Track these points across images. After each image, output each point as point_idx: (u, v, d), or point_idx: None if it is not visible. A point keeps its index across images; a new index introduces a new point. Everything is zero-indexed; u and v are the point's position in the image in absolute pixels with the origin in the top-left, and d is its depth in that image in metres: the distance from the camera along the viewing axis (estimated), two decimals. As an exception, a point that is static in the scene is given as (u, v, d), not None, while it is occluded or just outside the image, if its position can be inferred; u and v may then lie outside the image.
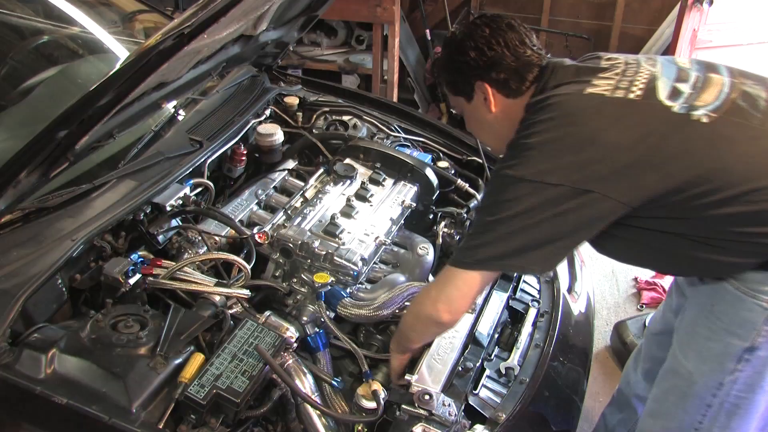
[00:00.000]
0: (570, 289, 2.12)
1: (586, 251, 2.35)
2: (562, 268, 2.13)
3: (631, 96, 1.35)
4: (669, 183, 1.29)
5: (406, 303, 1.74)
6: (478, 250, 1.38)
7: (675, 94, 1.36)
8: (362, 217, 2.03)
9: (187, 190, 1.93)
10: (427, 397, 1.47)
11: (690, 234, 1.36)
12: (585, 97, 1.37)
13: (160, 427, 1.31)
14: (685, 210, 1.32)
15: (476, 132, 1.73)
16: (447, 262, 1.47)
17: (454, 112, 2.05)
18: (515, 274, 1.95)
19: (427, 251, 2.02)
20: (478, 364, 1.65)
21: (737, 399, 1.46)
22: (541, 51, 1.53)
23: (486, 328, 1.76)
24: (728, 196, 1.29)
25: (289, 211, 2.03)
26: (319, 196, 2.10)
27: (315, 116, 2.56)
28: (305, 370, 1.57)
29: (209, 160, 2.09)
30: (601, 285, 3.43)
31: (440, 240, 2.10)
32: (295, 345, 1.61)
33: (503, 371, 1.68)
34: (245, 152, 2.27)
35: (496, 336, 1.79)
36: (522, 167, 1.34)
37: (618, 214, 1.32)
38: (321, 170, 2.26)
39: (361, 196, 2.11)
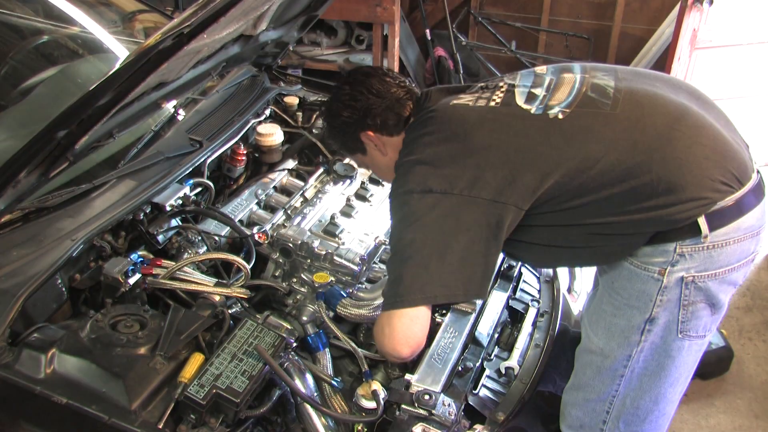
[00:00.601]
0: (570, 289, 2.12)
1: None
2: (562, 268, 2.14)
3: (492, 104, 1.48)
4: (545, 180, 1.38)
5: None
6: (402, 292, 1.39)
7: (531, 98, 1.48)
8: (362, 216, 2.03)
9: (186, 190, 1.93)
10: (427, 397, 1.46)
11: (579, 223, 1.44)
12: (450, 107, 1.51)
13: (160, 427, 1.31)
14: (567, 201, 1.40)
15: (385, 178, 1.83)
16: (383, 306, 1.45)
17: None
18: (515, 274, 1.96)
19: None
20: (478, 364, 1.65)
21: (645, 363, 1.53)
22: (405, 82, 1.66)
23: (486, 328, 1.76)
24: (601, 182, 1.38)
25: (288, 211, 2.03)
26: (319, 195, 2.10)
27: (315, 116, 2.56)
28: (305, 370, 1.57)
29: (209, 160, 2.09)
30: (601, 285, 3.43)
31: (440, 240, 2.10)
32: (294, 345, 1.61)
33: (503, 371, 1.68)
34: (245, 152, 2.27)
35: (496, 336, 1.79)
36: (409, 183, 1.44)
37: (514, 218, 1.39)
38: (321, 170, 2.26)
39: (361, 195, 2.11)
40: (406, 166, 1.47)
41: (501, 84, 1.55)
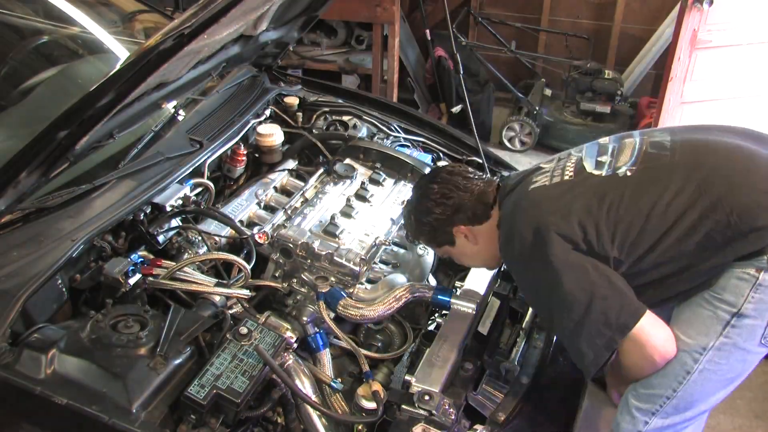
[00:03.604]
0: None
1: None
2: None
3: (566, 178, 1.58)
4: (626, 234, 1.46)
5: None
6: (615, 321, 1.46)
7: (599, 165, 1.58)
8: (362, 217, 2.03)
9: (187, 190, 1.93)
10: (427, 397, 1.47)
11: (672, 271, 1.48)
12: (530, 192, 1.59)
13: (160, 427, 1.31)
14: (651, 251, 1.46)
15: (470, 263, 1.90)
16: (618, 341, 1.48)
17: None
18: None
19: (426, 251, 2.02)
20: (478, 364, 1.65)
21: (717, 362, 1.48)
22: (481, 174, 1.80)
23: (486, 328, 1.76)
24: (679, 234, 1.44)
25: (289, 211, 2.03)
26: (319, 196, 2.10)
27: (315, 116, 2.56)
28: (305, 371, 1.57)
29: (209, 161, 2.08)
30: (601, 285, 3.43)
31: (440, 240, 2.10)
32: (295, 345, 1.61)
33: (503, 371, 1.68)
34: (245, 152, 2.27)
35: (496, 336, 1.79)
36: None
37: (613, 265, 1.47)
38: (321, 170, 2.26)
39: (361, 196, 2.11)
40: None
41: (570, 158, 1.64)
